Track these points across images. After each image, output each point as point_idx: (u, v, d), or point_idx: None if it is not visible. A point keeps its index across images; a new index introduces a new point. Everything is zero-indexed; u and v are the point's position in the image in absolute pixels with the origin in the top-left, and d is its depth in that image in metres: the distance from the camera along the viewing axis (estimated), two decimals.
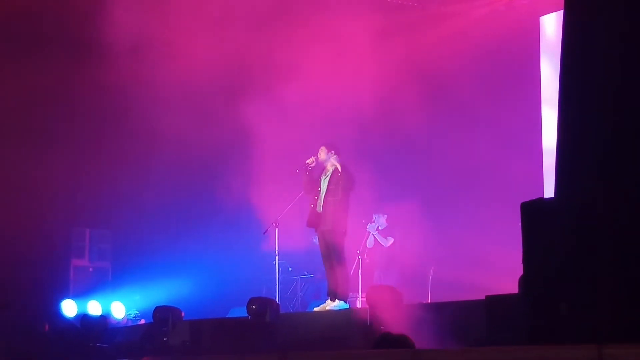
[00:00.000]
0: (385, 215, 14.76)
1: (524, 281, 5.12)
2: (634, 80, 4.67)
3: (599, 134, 4.76)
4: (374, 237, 14.49)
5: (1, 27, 13.78)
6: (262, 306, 10.17)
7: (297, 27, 13.98)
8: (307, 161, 11.74)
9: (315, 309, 11.81)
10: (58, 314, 14.28)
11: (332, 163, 11.63)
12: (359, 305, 12.94)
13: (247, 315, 10.28)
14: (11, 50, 14.04)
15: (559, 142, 4.99)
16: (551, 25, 16.25)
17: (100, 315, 13.70)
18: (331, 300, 11.39)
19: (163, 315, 11.18)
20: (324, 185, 11.60)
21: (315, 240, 12.48)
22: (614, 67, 4.79)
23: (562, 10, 5.29)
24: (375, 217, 14.69)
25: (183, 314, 11.38)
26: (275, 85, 13.50)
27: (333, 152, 11.65)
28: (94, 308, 14.44)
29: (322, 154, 11.65)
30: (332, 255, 11.47)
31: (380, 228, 14.71)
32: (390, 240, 14.60)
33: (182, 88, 14.36)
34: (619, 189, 4.47)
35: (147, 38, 13.54)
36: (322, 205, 11.53)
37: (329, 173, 11.62)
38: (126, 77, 14.46)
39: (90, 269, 15.29)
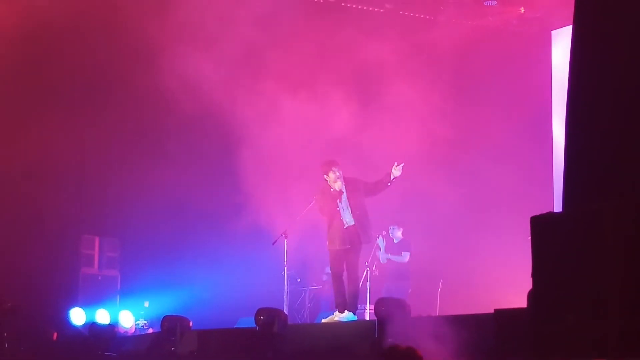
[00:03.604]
0: (401, 229, 14.73)
1: (532, 295, 5.11)
2: None
3: (607, 147, 4.76)
4: (388, 257, 14.46)
5: None
6: (270, 317, 10.15)
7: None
8: (335, 188, 11.56)
9: (323, 320, 11.79)
10: (66, 322, 14.30)
11: (341, 180, 11.51)
12: (367, 317, 12.93)
13: (255, 325, 10.27)
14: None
15: (567, 156, 4.99)
16: (563, 40, 16.25)
17: (109, 324, 13.71)
18: (339, 311, 11.36)
19: (171, 325, 11.18)
20: (344, 203, 11.44)
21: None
22: (621, 81, 4.79)
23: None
24: (390, 229, 14.67)
25: (191, 324, 11.38)
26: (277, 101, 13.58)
27: (339, 169, 11.54)
28: (102, 317, 14.45)
29: (337, 173, 11.47)
30: (351, 267, 11.42)
31: (395, 241, 14.70)
32: (407, 256, 14.55)
33: (195, 102, 14.44)
34: (627, 202, 4.47)
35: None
36: (352, 220, 11.42)
37: (343, 189, 11.48)
38: (135, 86, 14.55)
39: (99, 278, 15.30)
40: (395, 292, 14.06)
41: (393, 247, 14.71)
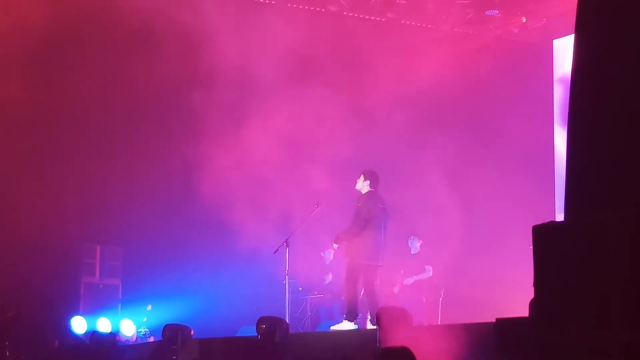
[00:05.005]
0: (421, 240, 14.69)
1: (535, 304, 5.11)
2: None
3: (609, 156, 4.76)
4: (414, 279, 14.45)
5: None
6: (271, 326, 10.15)
7: None
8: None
9: (332, 327, 11.78)
10: (68, 330, 14.29)
11: (364, 191, 11.53)
12: (368, 326, 12.91)
13: (256, 334, 10.26)
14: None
15: (568, 165, 4.99)
16: (564, 49, 16.28)
17: (110, 332, 13.70)
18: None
19: (172, 334, 11.17)
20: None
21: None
22: (623, 90, 4.80)
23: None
24: (410, 240, 14.66)
25: (192, 332, 11.38)
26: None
27: (369, 181, 11.53)
28: (103, 325, 14.45)
29: (359, 182, 11.54)
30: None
31: (412, 252, 14.68)
32: (430, 270, 14.52)
33: (190, 111, 14.45)
34: (630, 211, 4.47)
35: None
36: None
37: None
38: (140, 97, 14.56)
39: (101, 286, 15.30)
40: (410, 304, 14.02)
41: (411, 259, 14.68)
